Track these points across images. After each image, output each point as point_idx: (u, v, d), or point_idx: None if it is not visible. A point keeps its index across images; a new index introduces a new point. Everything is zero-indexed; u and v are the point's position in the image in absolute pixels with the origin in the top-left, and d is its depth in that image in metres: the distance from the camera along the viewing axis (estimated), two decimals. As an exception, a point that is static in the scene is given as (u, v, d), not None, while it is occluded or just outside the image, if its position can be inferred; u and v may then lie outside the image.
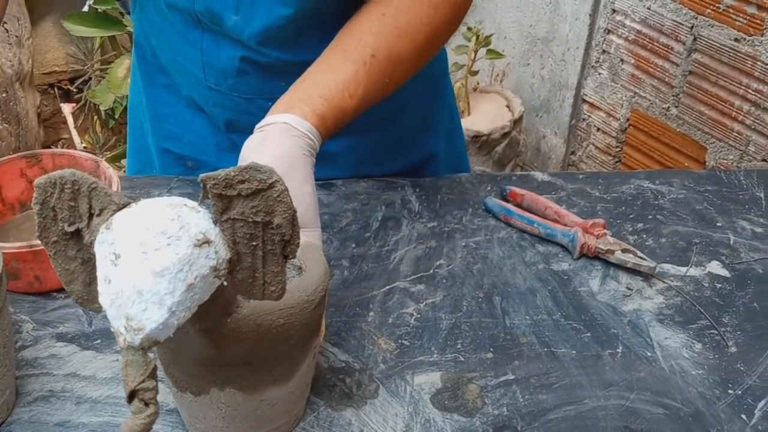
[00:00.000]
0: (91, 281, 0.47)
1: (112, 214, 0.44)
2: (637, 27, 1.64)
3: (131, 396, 0.42)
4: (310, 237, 0.66)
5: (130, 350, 0.42)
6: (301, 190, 0.67)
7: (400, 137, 1.01)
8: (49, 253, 0.47)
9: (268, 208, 0.44)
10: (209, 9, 0.85)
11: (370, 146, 1.00)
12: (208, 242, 0.43)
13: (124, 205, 0.45)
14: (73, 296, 0.49)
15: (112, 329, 0.43)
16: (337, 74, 0.76)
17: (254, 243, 0.45)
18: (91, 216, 0.46)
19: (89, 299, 0.48)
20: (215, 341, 0.54)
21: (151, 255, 0.42)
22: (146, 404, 0.42)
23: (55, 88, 2.77)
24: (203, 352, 0.55)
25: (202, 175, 0.44)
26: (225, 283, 0.46)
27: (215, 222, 0.45)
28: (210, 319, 0.51)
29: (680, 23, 1.53)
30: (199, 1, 0.84)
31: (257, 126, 0.74)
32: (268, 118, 0.73)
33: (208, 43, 0.89)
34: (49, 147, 2.53)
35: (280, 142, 0.70)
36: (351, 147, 0.98)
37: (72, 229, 0.46)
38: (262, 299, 0.48)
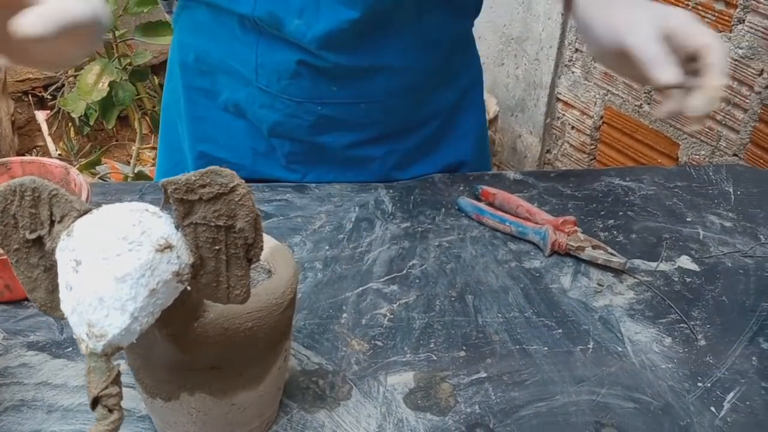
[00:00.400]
0: (54, 288, 0.47)
1: (73, 221, 0.44)
2: (609, 25, 1.66)
3: (95, 402, 0.42)
4: None
5: (93, 357, 0.42)
6: None
7: (431, 143, 1.03)
8: (11, 261, 0.47)
9: (230, 212, 0.44)
10: (271, 13, 0.85)
11: (404, 152, 1.02)
12: (170, 247, 0.43)
13: (86, 212, 0.45)
14: (37, 304, 0.48)
15: (74, 336, 0.43)
16: None
17: (217, 247, 0.45)
18: (52, 223, 0.45)
19: (52, 306, 0.48)
20: (183, 346, 0.53)
21: (113, 261, 0.42)
22: (110, 410, 0.42)
23: (29, 96, 2.75)
24: (172, 357, 0.55)
25: (162, 180, 0.44)
26: (189, 288, 0.46)
27: (177, 227, 0.45)
28: (177, 324, 0.51)
29: (650, 21, 1.54)
30: (261, 5, 0.84)
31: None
32: None
33: (263, 46, 0.90)
34: (24, 155, 2.51)
35: None
36: (388, 153, 1.01)
37: (33, 236, 0.45)
38: (227, 303, 0.48)
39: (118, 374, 0.43)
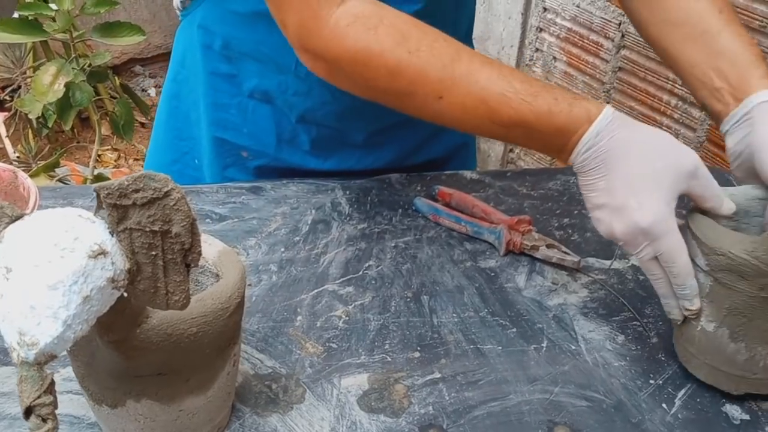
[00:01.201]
0: (-12, 296, 0.46)
1: (4, 227, 0.43)
2: (568, 25, 1.67)
3: (28, 412, 0.41)
4: None
5: (25, 366, 0.41)
6: None
7: (438, 127, 1.03)
8: (-57, 269, 0.46)
9: (165, 217, 0.43)
10: None
11: (420, 137, 1.05)
12: (104, 253, 0.42)
13: (18, 217, 0.43)
14: (-30, 312, 0.47)
15: (6, 345, 0.42)
16: (733, 42, 0.80)
17: (153, 252, 0.44)
18: (-16, 229, 0.44)
19: (-13, 315, 0.47)
20: (126, 352, 0.52)
21: (44, 267, 0.41)
22: (44, 420, 0.41)
23: (-13, 97, 2.70)
24: (115, 364, 0.54)
25: (95, 185, 0.43)
26: (125, 294, 0.45)
27: (112, 232, 0.44)
28: (118, 330, 0.50)
29: (608, 20, 1.56)
30: None
31: (728, 126, 0.77)
32: (736, 112, 0.76)
33: None
34: (-19, 157, 2.46)
35: None
36: (405, 138, 1.03)
37: (-36, 243, 0.44)
38: (166, 309, 0.47)
39: (52, 383, 0.42)
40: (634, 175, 0.68)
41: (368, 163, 1.03)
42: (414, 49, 0.73)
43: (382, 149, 1.04)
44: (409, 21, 0.74)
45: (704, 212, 0.69)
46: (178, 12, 1.03)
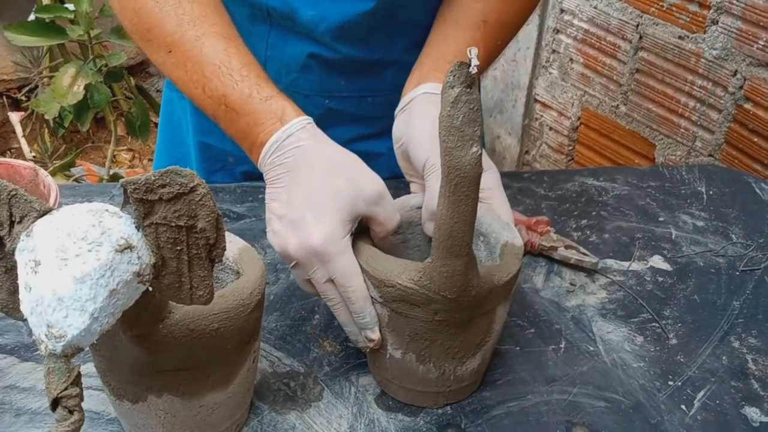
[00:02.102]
0: (15, 290, 0.46)
1: (33, 222, 0.43)
2: (585, 26, 1.66)
3: (55, 404, 0.42)
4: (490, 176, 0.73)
5: (52, 358, 0.42)
6: None
7: None
8: (-30, 263, 0.46)
9: (191, 212, 0.43)
10: (286, 3, 0.85)
11: None
12: (130, 247, 0.43)
13: (46, 212, 0.44)
14: (-3, 306, 0.48)
15: (33, 337, 0.42)
16: (456, 43, 0.81)
17: (179, 247, 0.45)
18: (12, 224, 0.45)
19: (14, 308, 0.47)
20: (149, 347, 0.53)
21: (72, 261, 0.41)
22: (70, 411, 0.42)
23: (4, 97, 2.72)
24: (137, 358, 0.54)
25: (122, 180, 0.43)
26: (150, 289, 0.46)
27: (138, 227, 0.44)
28: (141, 325, 0.51)
29: (626, 22, 1.55)
30: None
31: (398, 110, 0.80)
32: (405, 98, 0.79)
33: (274, 38, 0.90)
34: (-1, 157, 2.48)
35: (427, 111, 0.74)
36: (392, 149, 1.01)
37: (-8, 237, 0.45)
38: (189, 304, 0.48)
39: (79, 375, 0.43)
40: (315, 189, 0.65)
41: None
42: (162, 0, 0.75)
43: (368, 161, 1.00)
44: None
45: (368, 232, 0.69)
46: None
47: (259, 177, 1.03)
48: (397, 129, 0.79)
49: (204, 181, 0.43)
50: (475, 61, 0.52)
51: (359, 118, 0.97)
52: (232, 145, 1.01)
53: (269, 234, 0.69)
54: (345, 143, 0.98)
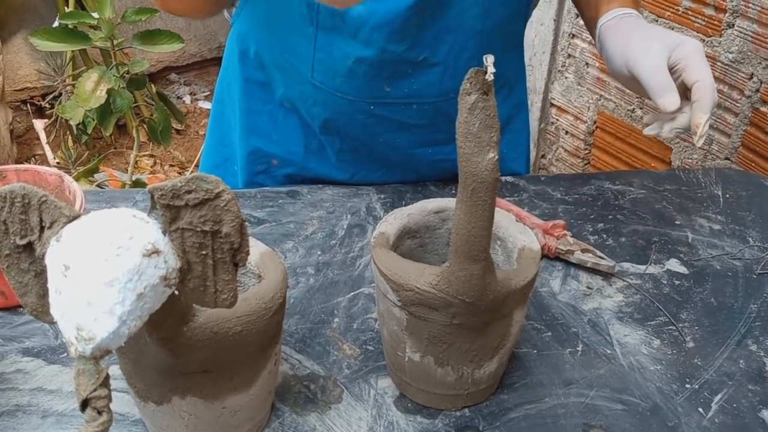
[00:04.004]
0: (45, 293, 0.48)
1: (62, 227, 0.45)
2: (601, 31, 1.67)
3: (84, 405, 0.43)
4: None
5: (82, 360, 0.43)
6: None
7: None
8: (2, 267, 0.48)
9: (216, 218, 0.45)
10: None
11: (454, 159, 1.05)
12: (157, 252, 0.44)
13: (75, 218, 0.45)
14: (28, 308, 0.49)
15: (63, 339, 0.44)
16: None
17: (204, 252, 0.46)
18: (42, 229, 0.46)
19: (43, 311, 0.49)
20: (173, 350, 0.54)
21: (100, 265, 0.42)
22: (99, 412, 0.43)
23: (28, 105, 2.76)
24: (162, 361, 0.56)
25: (149, 186, 0.44)
26: (176, 292, 0.47)
27: (164, 232, 0.46)
28: (167, 328, 0.52)
29: (642, 26, 1.55)
30: None
31: (597, 35, 0.92)
32: (604, 19, 0.91)
33: (322, 41, 0.91)
34: (22, 163, 2.52)
35: (639, 25, 0.89)
36: (439, 158, 1.02)
37: (24, 242, 0.46)
38: (214, 307, 0.49)
39: (107, 377, 0.44)
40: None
41: (397, 177, 1.04)
42: None
43: (412, 167, 1.03)
44: None
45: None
46: (228, 18, 1.05)
47: (300, 180, 1.05)
48: (612, 52, 0.87)
49: (229, 187, 0.45)
50: (491, 69, 0.53)
51: (405, 126, 0.97)
52: (278, 148, 1.03)
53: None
54: (390, 150, 1.00)
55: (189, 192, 0.44)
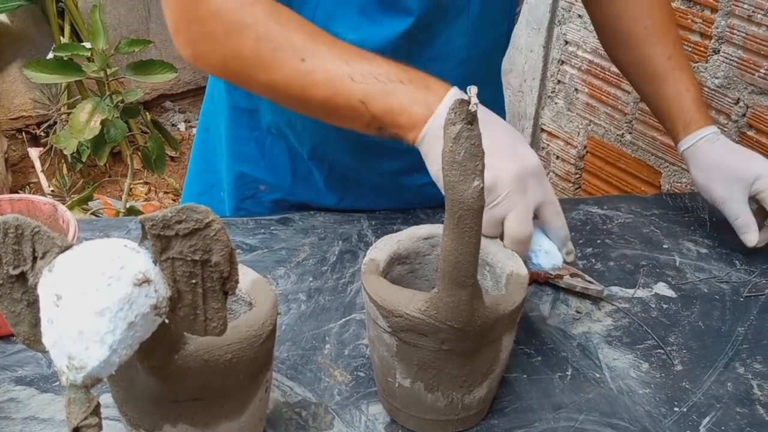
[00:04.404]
0: (37, 322, 0.48)
1: (54, 257, 0.46)
2: (589, 57, 1.69)
3: (75, 433, 0.44)
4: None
5: (73, 388, 0.44)
6: None
7: None
8: (-5, 297, 0.49)
9: (206, 247, 0.46)
10: (328, 28, 0.86)
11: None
12: (148, 281, 0.45)
13: (67, 248, 0.46)
14: (20, 338, 0.50)
15: (55, 368, 0.44)
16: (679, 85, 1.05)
17: (194, 281, 0.47)
18: (35, 259, 0.47)
19: (35, 340, 0.49)
20: (165, 378, 0.55)
21: (92, 295, 0.43)
22: (90, 441, 0.44)
23: (23, 133, 2.77)
24: (154, 389, 0.56)
25: (140, 217, 0.45)
26: (167, 321, 0.48)
27: (155, 262, 0.47)
28: (158, 357, 0.53)
29: (630, 53, 1.58)
30: (318, 23, 0.86)
31: (686, 145, 1.02)
32: (691, 138, 1.02)
33: None
34: (17, 191, 2.53)
35: (723, 144, 1.00)
36: (425, 183, 1.02)
37: (17, 272, 0.47)
38: (204, 335, 0.50)
39: (98, 405, 0.44)
40: (508, 130, 0.78)
41: (384, 204, 1.04)
42: (285, 21, 0.79)
43: (399, 193, 1.04)
44: (282, 6, 0.80)
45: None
46: None
47: (289, 206, 1.06)
48: (699, 186, 1.00)
49: (218, 216, 0.46)
50: (474, 99, 0.54)
51: (392, 151, 0.98)
52: (266, 173, 1.04)
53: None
54: (377, 176, 1.00)
55: (179, 222, 0.45)
